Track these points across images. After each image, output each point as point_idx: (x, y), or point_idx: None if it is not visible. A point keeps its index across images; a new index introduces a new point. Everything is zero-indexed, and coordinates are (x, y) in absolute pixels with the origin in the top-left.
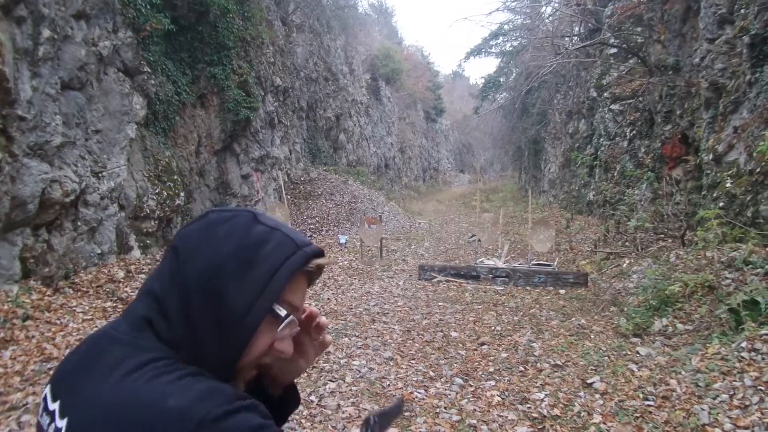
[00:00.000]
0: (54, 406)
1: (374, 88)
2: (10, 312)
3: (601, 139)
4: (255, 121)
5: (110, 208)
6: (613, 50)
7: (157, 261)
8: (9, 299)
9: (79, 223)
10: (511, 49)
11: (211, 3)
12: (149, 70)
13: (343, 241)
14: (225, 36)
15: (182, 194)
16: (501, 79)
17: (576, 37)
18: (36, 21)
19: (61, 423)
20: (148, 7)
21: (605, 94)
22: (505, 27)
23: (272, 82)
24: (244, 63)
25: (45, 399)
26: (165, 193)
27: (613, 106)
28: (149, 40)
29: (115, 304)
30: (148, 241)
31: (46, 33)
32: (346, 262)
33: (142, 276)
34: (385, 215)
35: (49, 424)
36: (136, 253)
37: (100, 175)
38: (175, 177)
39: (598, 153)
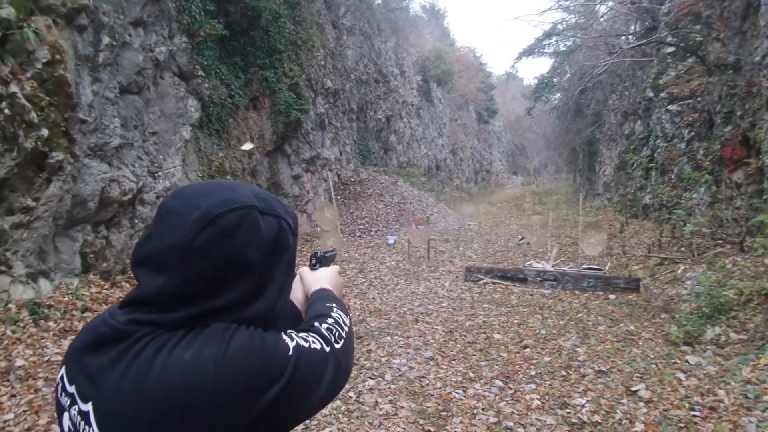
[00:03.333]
0: (71, 389)
1: (425, 89)
2: (70, 304)
3: (658, 141)
4: (306, 122)
5: None
6: (671, 49)
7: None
8: (69, 292)
9: (136, 221)
10: (564, 48)
11: (263, 8)
12: (203, 74)
13: (391, 241)
14: (276, 40)
15: None
16: (554, 80)
17: (631, 36)
18: (96, 29)
19: (86, 407)
20: (202, 13)
21: (662, 95)
22: (559, 26)
23: (323, 85)
24: (295, 66)
25: (62, 379)
26: None
27: (670, 107)
28: (203, 45)
29: None
30: None
31: (106, 40)
32: (393, 263)
33: None
34: (434, 216)
35: (71, 406)
36: None
37: (156, 174)
38: (228, 177)
39: (655, 155)
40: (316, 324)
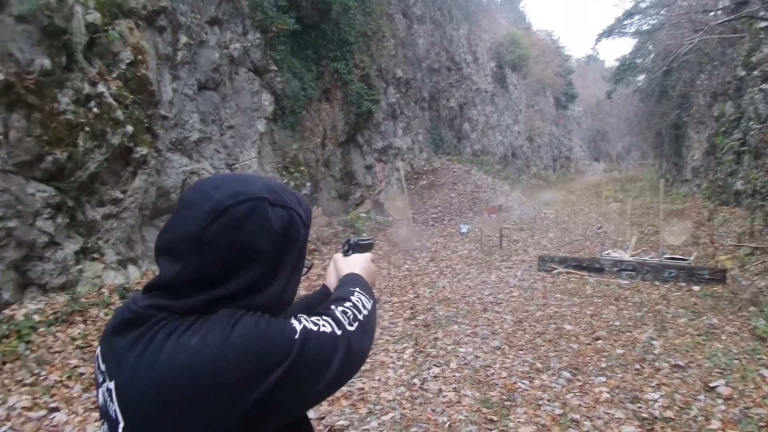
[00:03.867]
0: (103, 367)
1: (500, 76)
2: None
3: (751, 123)
4: (377, 113)
5: None
6: (764, 23)
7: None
8: None
9: None
10: (647, 27)
11: (333, 1)
12: (276, 69)
13: (464, 230)
14: (347, 32)
15: (309, 184)
16: (637, 61)
17: (720, 11)
18: (175, 29)
19: (111, 384)
20: (275, 9)
21: (755, 73)
22: (641, 4)
23: (393, 74)
24: (365, 57)
25: (97, 357)
26: (292, 183)
27: (764, 86)
28: (276, 40)
29: None
30: None
31: (184, 39)
32: (465, 252)
33: None
34: (509, 205)
35: (102, 382)
36: None
37: (233, 167)
38: (302, 168)
39: (747, 138)
40: (332, 307)
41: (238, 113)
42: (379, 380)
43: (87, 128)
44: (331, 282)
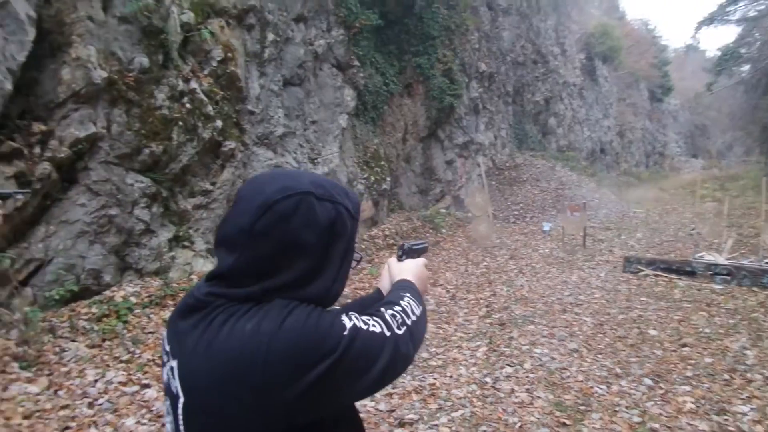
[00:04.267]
0: (167, 348)
1: (589, 68)
2: None
3: None
4: (459, 107)
5: None
6: None
7: (365, 240)
8: None
9: None
10: (754, 14)
11: None
12: (358, 64)
13: (546, 228)
14: (430, 26)
15: (389, 179)
16: (741, 50)
17: None
18: (263, 27)
19: (174, 363)
20: (359, 5)
21: None
22: None
23: (477, 68)
24: (448, 51)
25: (164, 339)
26: (373, 178)
27: None
28: (359, 36)
29: None
30: None
31: (271, 37)
32: (546, 250)
33: None
34: (595, 203)
35: (167, 362)
36: None
37: (315, 161)
38: (383, 163)
39: None
40: (383, 309)
41: (321, 108)
42: (450, 377)
43: (180, 123)
44: (384, 285)
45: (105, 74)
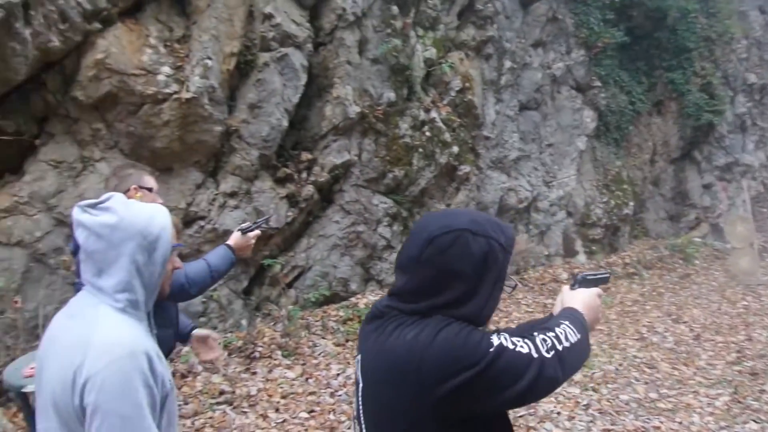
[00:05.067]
0: (358, 344)
1: None
2: None
3: None
4: (720, 125)
5: (558, 214)
6: None
7: (601, 266)
8: None
9: (530, 227)
10: None
11: (669, 7)
12: (600, 84)
13: None
14: (685, 38)
15: (631, 203)
16: None
17: None
18: (500, 55)
19: (359, 357)
20: (601, 24)
21: None
22: None
23: (744, 80)
24: (707, 63)
25: (358, 338)
26: (613, 202)
27: None
28: (601, 55)
29: (553, 301)
30: (593, 248)
31: (508, 64)
32: None
33: None
34: None
35: (357, 355)
36: (581, 257)
37: (550, 184)
38: (625, 186)
39: None
40: (535, 333)
41: (558, 131)
42: (680, 423)
43: (420, 149)
44: (556, 312)
45: (358, 109)
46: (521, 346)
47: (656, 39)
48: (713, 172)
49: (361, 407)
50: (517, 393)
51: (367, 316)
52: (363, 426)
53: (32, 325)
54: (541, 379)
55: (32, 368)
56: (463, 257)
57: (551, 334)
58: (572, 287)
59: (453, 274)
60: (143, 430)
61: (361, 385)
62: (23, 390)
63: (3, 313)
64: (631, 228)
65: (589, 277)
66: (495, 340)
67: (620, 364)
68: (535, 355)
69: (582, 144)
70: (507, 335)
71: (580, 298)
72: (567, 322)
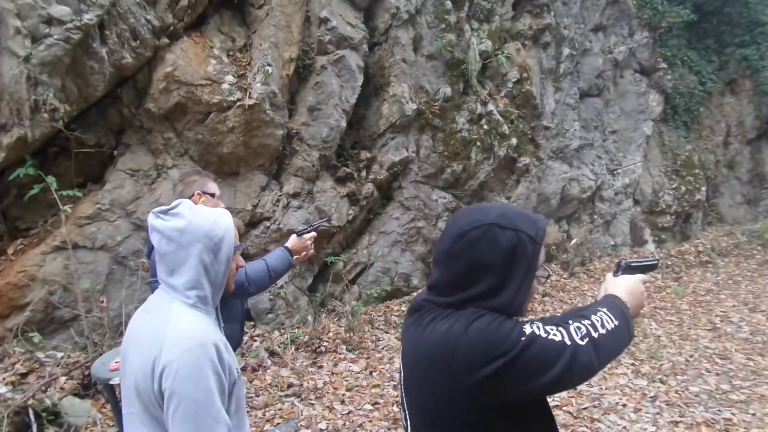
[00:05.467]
0: (401, 334)
1: None
2: None
3: None
4: None
5: (624, 202)
6: None
7: (672, 256)
8: None
9: (595, 217)
10: None
11: None
12: (665, 66)
13: None
14: (759, 11)
15: (704, 188)
16: None
17: None
18: (558, 43)
19: (401, 346)
20: (665, 3)
21: None
22: None
23: None
24: None
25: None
26: (683, 188)
27: None
28: (667, 36)
29: None
30: (663, 236)
31: (567, 51)
32: None
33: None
34: None
35: (401, 346)
36: (651, 246)
37: (615, 172)
38: (696, 171)
39: None
40: (570, 321)
41: (621, 117)
42: (753, 415)
43: (478, 143)
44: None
45: (415, 106)
46: (554, 334)
47: (727, 14)
48: None
49: (404, 395)
50: (550, 380)
51: (409, 309)
52: (407, 412)
53: (116, 323)
54: (575, 365)
55: (117, 362)
56: (492, 250)
57: (586, 321)
58: (615, 274)
59: (483, 267)
60: (214, 412)
61: (402, 374)
62: (110, 382)
63: (90, 312)
64: (704, 214)
65: (633, 264)
66: (527, 329)
67: (691, 356)
68: (569, 343)
69: (648, 129)
70: (540, 324)
71: (623, 285)
72: (605, 309)
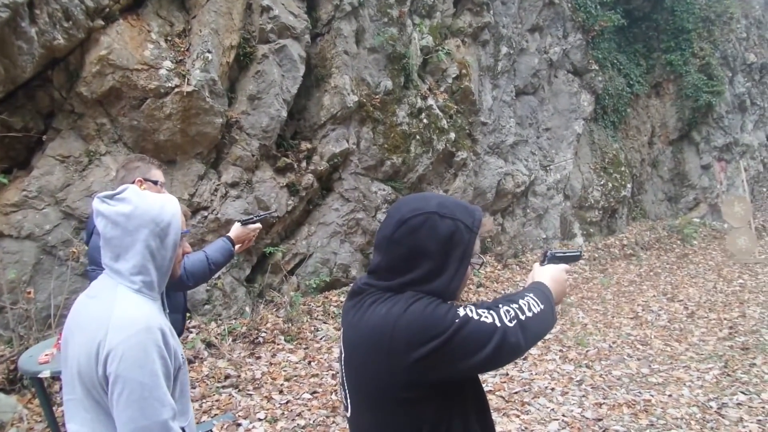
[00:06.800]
0: (341, 319)
1: None
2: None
3: None
4: (718, 105)
5: (556, 197)
6: None
7: (599, 249)
8: None
9: (527, 210)
10: None
11: None
12: (596, 68)
13: None
14: (684, 19)
15: (629, 186)
16: None
17: None
18: (496, 41)
19: (340, 333)
20: (598, 7)
21: None
22: None
23: (743, 60)
24: (706, 44)
25: (342, 313)
26: (610, 185)
27: None
28: (599, 39)
29: None
30: (591, 230)
31: (504, 50)
32: None
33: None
34: None
35: (340, 329)
36: (579, 239)
37: (547, 168)
38: (623, 168)
39: None
40: (500, 305)
41: (555, 115)
42: (669, 396)
43: (418, 137)
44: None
45: (356, 98)
46: (486, 317)
47: (654, 20)
48: (712, 152)
49: (344, 375)
50: (482, 359)
51: (349, 293)
52: (347, 392)
53: (44, 315)
54: (504, 345)
55: (47, 355)
56: (431, 237)
57: (515, 305)
58: (542, 263)
59: (422, 253)
60: (159, 396)
61: (343, 355)
62: (39, 376)
63: (16, 304)
64: (629, 210)
65: (558, 255)
66: (461, 311)
67: (614, 342)
68: (499, 325)
69: (579, 127)
70: (473, 307)
71: (548, 273)
72: (531, 295)
